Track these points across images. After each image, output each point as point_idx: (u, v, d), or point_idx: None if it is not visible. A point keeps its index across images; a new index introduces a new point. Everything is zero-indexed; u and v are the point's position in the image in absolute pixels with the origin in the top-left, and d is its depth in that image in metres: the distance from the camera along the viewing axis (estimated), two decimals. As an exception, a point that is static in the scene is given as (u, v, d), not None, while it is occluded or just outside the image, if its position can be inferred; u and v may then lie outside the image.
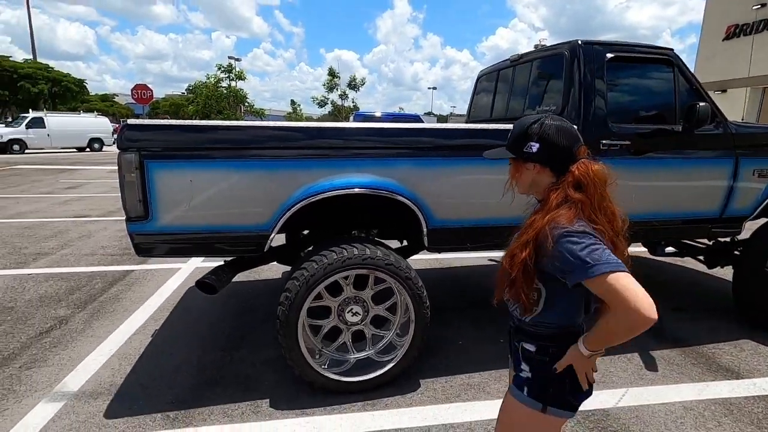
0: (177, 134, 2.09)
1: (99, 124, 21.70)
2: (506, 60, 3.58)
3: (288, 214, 2.17)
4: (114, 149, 21.54)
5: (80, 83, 31.55)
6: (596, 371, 1.14)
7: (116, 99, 51.92)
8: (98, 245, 5.14)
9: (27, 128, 18.81)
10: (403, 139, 2.33)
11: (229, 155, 2.12)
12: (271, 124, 2.21)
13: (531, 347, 1.18)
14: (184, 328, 3.13)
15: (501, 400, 1.31)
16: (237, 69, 30.47)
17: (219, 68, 29.93)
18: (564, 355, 1.13)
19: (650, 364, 2.70)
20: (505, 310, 1.28)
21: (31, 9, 30.47)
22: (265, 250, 2.26)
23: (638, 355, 2.80)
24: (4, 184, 9.87)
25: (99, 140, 21.31)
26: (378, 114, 14.17)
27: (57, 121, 19.92)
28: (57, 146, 20.05)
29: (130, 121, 2.09)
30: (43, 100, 28.43)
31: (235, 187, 2.15)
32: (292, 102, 39.23)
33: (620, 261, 1.00)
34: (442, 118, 53.10)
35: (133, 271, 4.27)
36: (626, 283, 0.96)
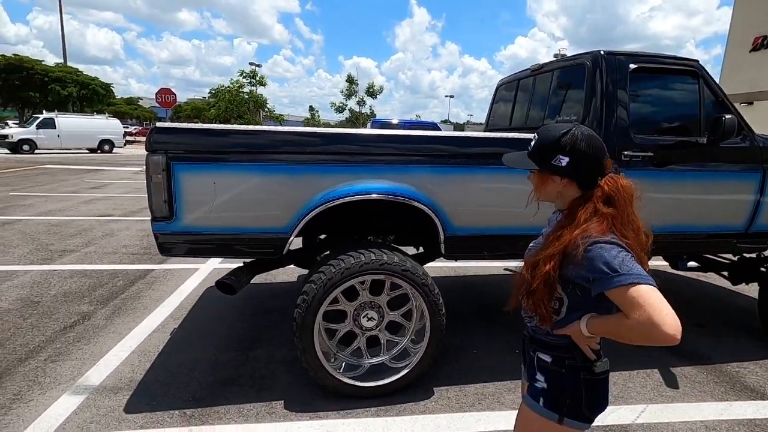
0: (203, 138, 2.15)
1: (110, 126, 21.79)
2: (527, 69, 3.58)
3: (307, 218, 2.20)
4: (124, 151, 21.55)
5: (107, 87, 32.53)
6: (598, 344, 1.13)
7: (140, 102, 53.42)
8: (120, 244, 5.28)
9: (37, 129, 19.09)
10: (422, 147, 2.35)
11: (252, 159, 2.17)
12: (293, 129, 2.25)
13: (547, 358, 1.17)
14: (201, 328, 3.19)
15: (515, 411, 1.30)
16: (259, 75, 31.02)
17: (241, 74, 30.49)
18: (580, 366, 1.12)
19: (671, 381, 2.63)
20: (520, 320, 1.27)
21: (63, 15, 31.63)
22: (283, 253, 2.30)
23: (658, 371, 2.74)
24: (34, 183, 10.23)
25: (109, 142, 21.39)
26: (395, 121, 14.23)
27: (67, 122, 20.07)
28: (67, 147, 20.16)
29: (159, 124, 2.16)
30: (72, 103, 29.37)
31: (256, 190, 2.20)
32: (311, 108, 39.67)
33: (648, 275, 0.96)
34: (458, 127, 53.02)
35: (153, 270, 4.36)
36: (651, 296, 0.92)
